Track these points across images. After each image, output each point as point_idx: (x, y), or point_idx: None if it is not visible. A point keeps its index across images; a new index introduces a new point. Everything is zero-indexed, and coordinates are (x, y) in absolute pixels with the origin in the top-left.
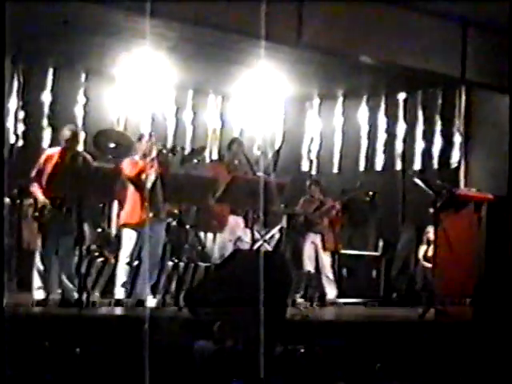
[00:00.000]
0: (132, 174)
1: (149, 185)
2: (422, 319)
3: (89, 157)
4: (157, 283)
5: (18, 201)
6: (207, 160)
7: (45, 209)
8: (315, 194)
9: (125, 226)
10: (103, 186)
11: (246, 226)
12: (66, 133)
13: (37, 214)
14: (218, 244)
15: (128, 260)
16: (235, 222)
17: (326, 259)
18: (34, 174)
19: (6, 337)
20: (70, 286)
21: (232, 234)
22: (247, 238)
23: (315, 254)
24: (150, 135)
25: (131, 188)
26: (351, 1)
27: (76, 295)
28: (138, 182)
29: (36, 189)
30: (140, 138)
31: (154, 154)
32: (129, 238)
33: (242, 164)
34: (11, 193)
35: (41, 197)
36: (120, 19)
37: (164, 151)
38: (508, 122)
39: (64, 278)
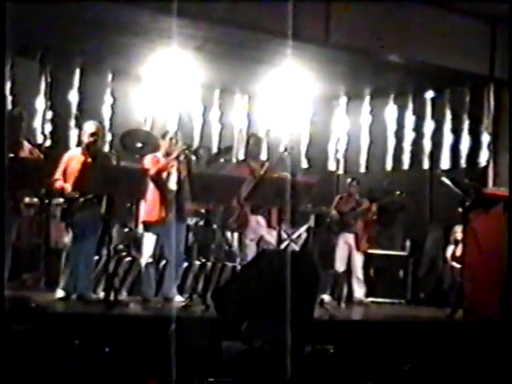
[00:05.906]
0: (152, 171)
1: (172, 184)
2: (450, 319)
3: (110, 156)
4: (183, 282)
5: (47, 200)
6: (234, 159)
7: (72, 200)
8: (353, 192)
9: (143, 223)
10: (130, 185)
11: (269, 225)
12: (91, 127)
13: (65, 205)
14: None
15: (151, 260)
16: (256, 221)
17: (358, 260)
18: (58, 175)
19: (32, 336)
20: (87, 283)
21: (254, 234)
22: (270, 237)
23: (348, 254)
24: (176, 133)
25: (151, 186)
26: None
27: (92, 294)
28: (157, 180)
29: (62, 183)
30: (164, 136)
31: (176, 152)
32: (150, 238)
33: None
34: (39, 192)
35: (69, 188)
36: (147, 19)
37: (187, 151)
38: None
39: (83, 274)
